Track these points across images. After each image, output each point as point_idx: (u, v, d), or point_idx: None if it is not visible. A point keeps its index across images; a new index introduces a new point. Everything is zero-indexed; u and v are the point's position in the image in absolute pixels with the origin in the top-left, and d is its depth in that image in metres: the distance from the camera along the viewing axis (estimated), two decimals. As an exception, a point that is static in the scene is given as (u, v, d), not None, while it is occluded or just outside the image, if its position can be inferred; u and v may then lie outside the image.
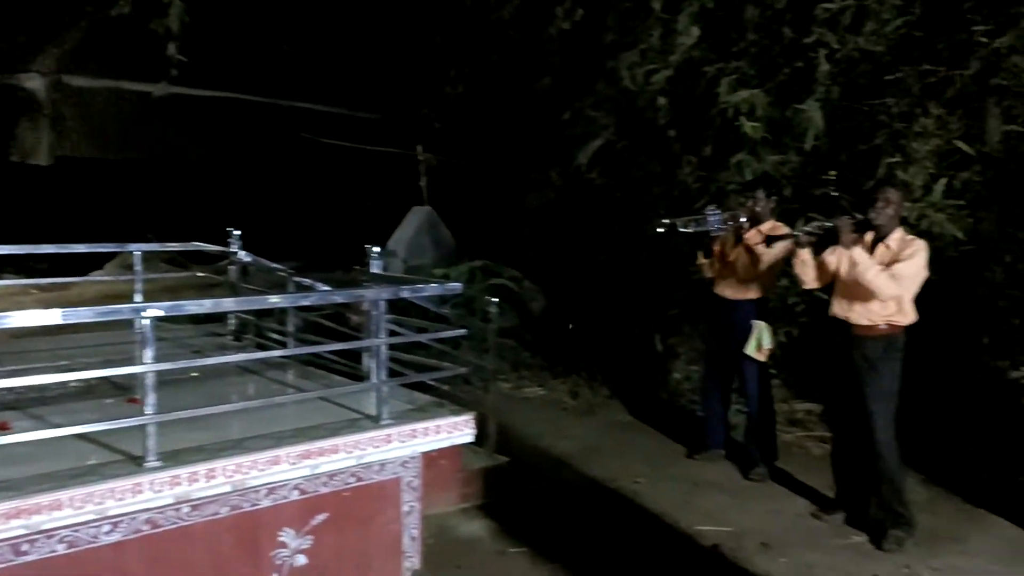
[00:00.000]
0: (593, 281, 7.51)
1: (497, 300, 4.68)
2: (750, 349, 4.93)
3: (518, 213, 8.51)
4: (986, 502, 4.69)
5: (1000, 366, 6.10)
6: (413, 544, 3.29)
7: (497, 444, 4.77)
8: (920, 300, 4.20)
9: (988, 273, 5.86)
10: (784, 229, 4.82)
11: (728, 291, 5.05)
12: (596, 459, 5.31)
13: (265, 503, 2.88)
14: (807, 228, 4.38)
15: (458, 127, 9.52)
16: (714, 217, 4.90)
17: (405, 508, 3.24)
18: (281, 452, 2.83)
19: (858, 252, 4.08)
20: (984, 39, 5.27)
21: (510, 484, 4.62)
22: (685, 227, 4.96)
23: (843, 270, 4.18)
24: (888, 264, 4.05)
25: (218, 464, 2.69)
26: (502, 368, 7.08)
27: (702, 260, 5.16)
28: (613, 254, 7.25)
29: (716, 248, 5.08)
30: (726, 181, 5.96)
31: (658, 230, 5.01)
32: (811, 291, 5.54)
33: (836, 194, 5.87)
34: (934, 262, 5.62)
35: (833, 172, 5.98)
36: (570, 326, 6.78)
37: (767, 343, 4.90)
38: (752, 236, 4.94)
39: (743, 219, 4.93)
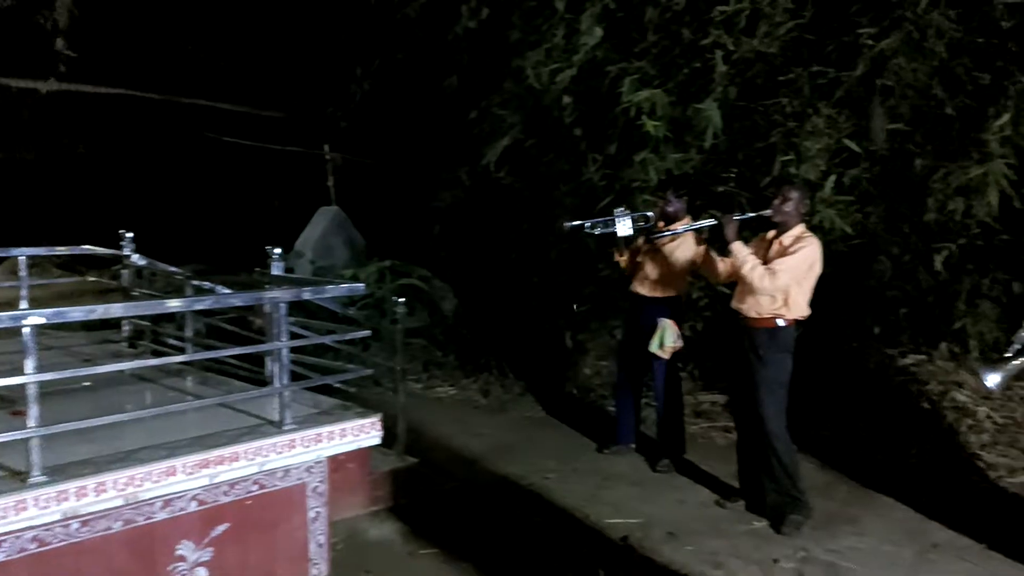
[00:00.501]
0: (504, 279, 7.54)
1: (404, 300, 4.63)
2: (653, 347, 5.03)
3: (428, 212, 8.48)
4: (878, 484, 4.92)
5: (890, 354, 6.43)
6: (320, 551, 3.24)
7: (407, 445, 4.73)
8: (814, 292, 4.37)
9: (877, 265, 6.15)
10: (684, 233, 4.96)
11: (642, 289, 5.14)
12: (507, 456, 5.33)
13: (161, 516, 2.78)
14: (697, 223, 4.50)
15: (365, 126, 9.42)
16: (623, 217, 4.98)
17: (311, 514, 3.19)
18: (177, 462, 2.74)
19: (736, 246, 4.21)
20: (870, 41, 5.52)
21: (421, 485, 4.59)
22: (593, 229, 5.02)
23: (734, 267, 4.32)
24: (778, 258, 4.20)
25: (109, 477, 2.58)
26: (413, 368, 7.04)
27: (618, 257, 5.24)
28: (523, 252, 7.30)
29: (631, 246, 5.16)
30: (631, 179, 6.07)
31: (565, 228, 5.06)
32: (714, 286, 5.74)
33: (736, 192, 6.08)
34: (826, 256, 5.89)
35: (734, 170, 6.19)
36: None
37: (669, 342, 5.00)
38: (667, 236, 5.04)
39: (652, 219, 5.04)
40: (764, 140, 5.84)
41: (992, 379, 2.04)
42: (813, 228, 5.52)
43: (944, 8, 5.45)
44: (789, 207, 4.22)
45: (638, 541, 4.14)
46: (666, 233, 4.73)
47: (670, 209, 5.01)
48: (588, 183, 6.47)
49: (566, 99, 6.54)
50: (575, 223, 5.00)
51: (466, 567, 3.82)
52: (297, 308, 3.84)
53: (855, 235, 5.85)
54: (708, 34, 5.84)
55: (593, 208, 6.24)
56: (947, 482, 4.99)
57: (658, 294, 5.07)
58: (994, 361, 2.15)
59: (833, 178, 5.50)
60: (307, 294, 3.31)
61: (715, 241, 4.42)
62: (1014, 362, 1.99)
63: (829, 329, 6.30)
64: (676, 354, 5.11)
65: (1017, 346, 3.40)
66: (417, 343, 7.25)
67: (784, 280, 4.16)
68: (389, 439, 4.31)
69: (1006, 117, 5.22)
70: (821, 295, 5.20)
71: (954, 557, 4.00)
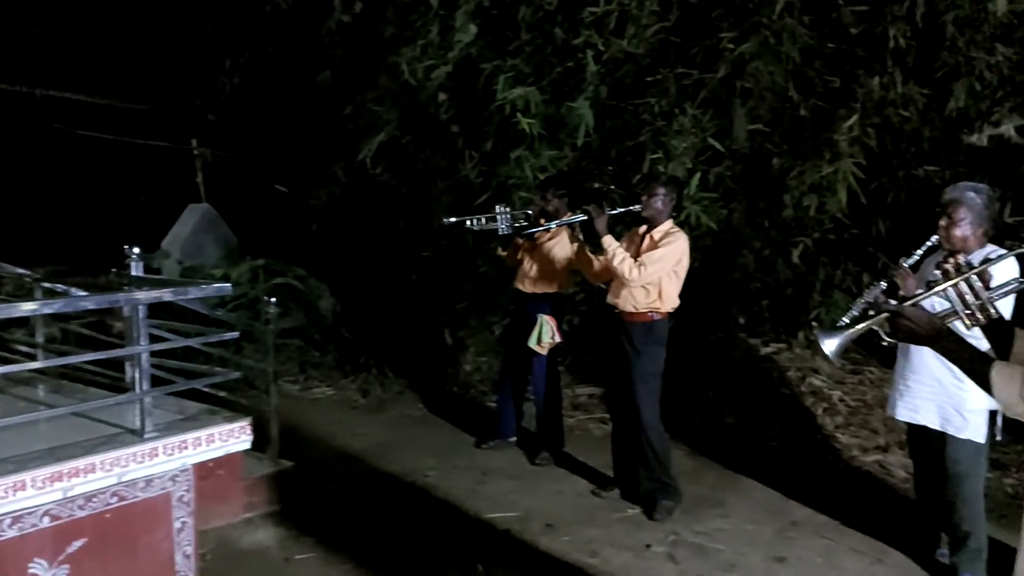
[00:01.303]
0: (382, 277, 7.46)
1: (277, 300, 4.51)
2: (532, 343, 5.11)
3: (304, 210, 8.28)
4: (743, 468, 5.17)
5: (753, 343, 6.76)
6: (187, 562, 3.11)
7: (283, 448, 4.62)
8: (684, 285, 4.54)
9: (740, 259, 6.45)
10: (561, 231, 5.05)
11: (523, 285, 5.21)
12: (388, 455, 5.29)
13: (10, 534, 2.60)
14: (569, 218, 4.59)
15: (236, 120, 9.10)
16: (503, 215, 5.04)
17: (176, 525, 3.05)
18: (26, 476, 2.57)
19: (607, 240, 4.34)
20: (731, 45, 5.77)
21: (298, 489, 4.49)
22: (473, 225, 5.06)
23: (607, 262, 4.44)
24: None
25: (-53, 496, 2.40)
26: (289, 370, 6.88)
27: (502, 253, 5.29)
28: (401, 249, 7.25)
29: (516, 243, 5.22)
30: (507, 176, 6.13)
31: (446, 223, 5.08)
32: (589, 282, 5.86)
33: (609, 188, 6.24)
34: (694, 251, 6.12)
35: (610, 168, 6.35)
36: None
37: (547, 338, 5.08)
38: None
39: (532, 217, 5.11)
40: (634, 138, 6.02)
41: (829, 344, 2.17)
42: (681, 224, 5.76)
43: (798, 15, 5.76)
44: (658, 203, 4.38)
45: (517, 534, 4.20)
46: (539, 228, 4.80)
47: (550, 208, 5.10)
48: (465, 180, 6.50)
49: (442, 96, 6.54)
50: (455, 219, 5.03)
51: (346, 569, 3.77)
52: (164, 310, 3.67)
53: (720, 230, 6.11)
54: (579, 34, 5.96)
55: (470, 205, 6.27)
56: (805, 463, 5.30)
57: (538, 290, 5.15)
58: (831, 328, 2.28)
59: (698, 175, 5.72)
60: (168, 295, 3.15)
61: (589, 237, 4.52)
62: (850, 330, 2.12)
63: (698, 321, 6.57)
64: (555, 349, 5.20)
65: (855, 312, 3.68)
66: (293, 344, 7.08)
67: (652, 272, 4.30)
68: (262, 443, 4.21)
69: (854, 118, 5.58)
70: (690, 288, 5.41)
71: (811, 533, 4.25)
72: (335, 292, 7.57)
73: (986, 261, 2.19)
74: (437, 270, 6.99)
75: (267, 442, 4.35)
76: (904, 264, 3.66)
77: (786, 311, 6.70)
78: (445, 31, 6.43)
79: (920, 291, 2.17)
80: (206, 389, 3.51)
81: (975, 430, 3.59)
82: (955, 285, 2.09)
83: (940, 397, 3.61)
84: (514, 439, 5.47)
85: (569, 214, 5.10)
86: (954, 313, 2.11)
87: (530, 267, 5.15)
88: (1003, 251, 3.50)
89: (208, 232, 8.73)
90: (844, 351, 2.18)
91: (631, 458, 4.57)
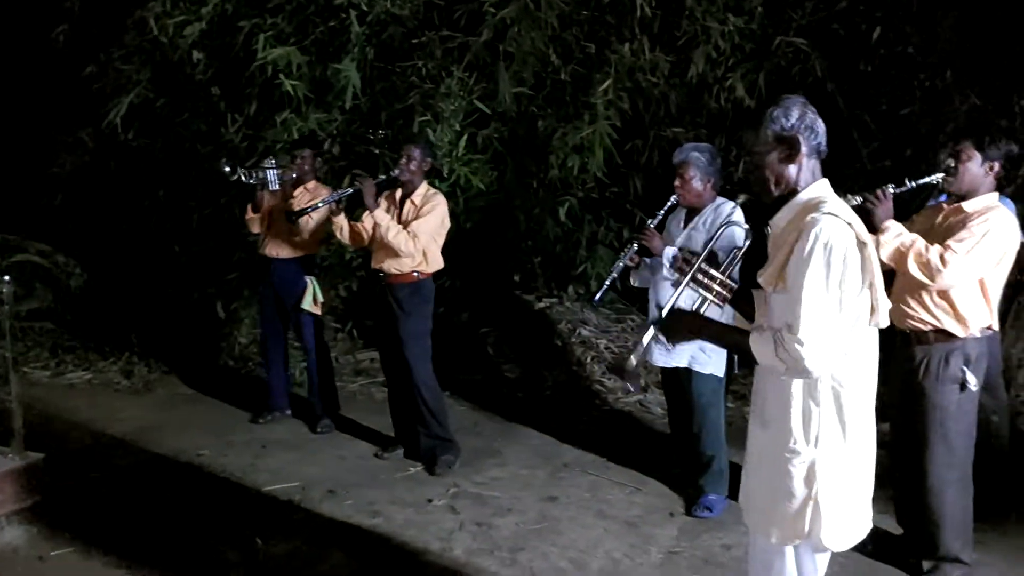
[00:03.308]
0: (141, 250, 6.96)
1: (9, 278, 4.07)
2: (307, 304, 5.02)
3: (46, 179, 7.48)
4: (520, 418, 5.42)
5: (528, 299, 7.06)
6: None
7: (34, 440, 4.21)
8: (459, 245, 4.62)
9: (512, 219, 6.67)
10: (325, 191, 4.99)
11: (274, 250, 5.07)
12: (156, 438, 5.00)
13: None
14: (338, 194, 4.56)
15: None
16: (271, 170, 4.91)
17: (-103, 533, 2.73)
18: None
19: (379, 214, 4.36)
20: (492, 10, 5.86)
21: (52, 482, 4.13)
22: (247, 177, 4.91)
23: (375, 231, 4.44)
24: (415, 219, 4.38)
25: None
26: (37, 355, 6.30)
27: (251, 215, 5.11)
28: (161, 219, 6.78)
29: (265, 205, 5.06)
30: (273, 140, 5.90)
31: (223, 168, 4.86)
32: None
33: (378, 152, 6.19)
34: (468, 211, 6.26)
35: (381, 132, 6.29)
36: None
37: (320, 296, 5.04)
38: (300, 195, 5.02)
39: (294, 175, 5.00)
40: (404, 101, 6.00)
41: (631, 375, 2.33)
42: (451, 185, 5.87)
43: (555, -18, 5.97)
44: (414, 166, 4.41)
45: (297, 503, 4.14)
46: (306, 211, 4.71)
47: (306, 167, 5.03)
48: (229, 144, 6.17)
49: (197, 55, 6.14)
50: (229, 168, 4.87)
51: (107, 561, 3.55)
52: None
53: (491, 191, 6.27)
54: (341, -7, 5.81)
55: (235, 171, 6.00)
56: (575, 408, 5.65)
57: (291, 254, 5.05)
58: (618, 362, 2.47)
59: (466, 138, 5.82)
60: None
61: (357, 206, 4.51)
62: (633, 357, 2.28)
63: (476, 280, 6.75)
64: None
65: (614, 274, 3.98)
66: (42, 326, 6.46)
67: (425, 241, 4.39)
68: (7, 436, 3.86)
69: (608, 83, 5.89)
70: (465, 249, 5.56)
71: (580, 472, 4.56)
72: (89, 268, 6.96)
73: (711, 239, 2.44)
74: (204, 240, 6.62)
75: (9, 434, 3.96)
76: (650, 225, 3.98)
77: (557, 267, 7.05)
78: (196, -16, 6.02)
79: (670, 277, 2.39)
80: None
81: (716, 366, 4.00)
82: (693, 278, 2.29)
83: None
84: (288, 410, 5.37)
85: (315, 180, 5.08)
86: (704, 300, 2.31)
87: (282, 230, 5.02)
88: (730, 203, 3.92)
89: (-71, 207, 7.69)
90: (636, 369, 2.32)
91: (410, 418, 4.64)
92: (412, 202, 4.45)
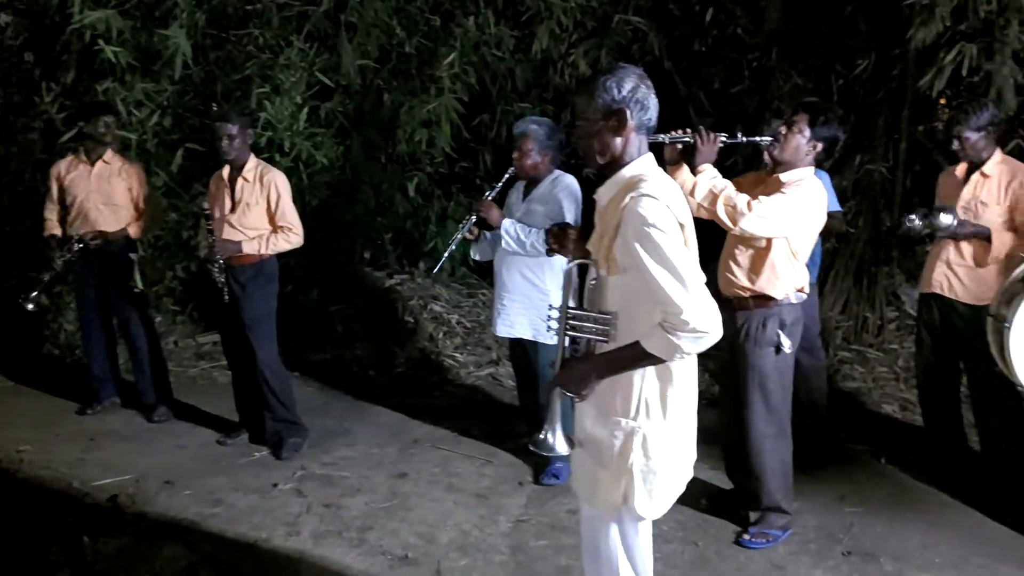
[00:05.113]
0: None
1: None
2: (139, 283, 4.76)
3: None
4: (371, 396, 5.35)
5: (379, 276, 6.97)
6: None
7: None
8: (306, 223, 4.46)
9: (360, 195, 6.55)
10: (119, 162, 4.76)
11: (88, 227, 4.73)
12: (-34, 437, 4.60)
13: None
14: None
15: None
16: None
17: None
18: None
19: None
20: (333, -22, 5.71)
21: None
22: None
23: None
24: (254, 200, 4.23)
25: None
26: None
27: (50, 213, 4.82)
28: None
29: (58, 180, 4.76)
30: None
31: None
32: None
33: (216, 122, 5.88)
34: (313, 187, 6.09)
35: (214, 104, 5.97)
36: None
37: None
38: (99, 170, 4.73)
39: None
40: (240, 72, 5.74)
41: (560, 446, 2.25)
42: (293, 160, 5.68)
43: (397, -47, 5.87)
44: (237, 143, 4.22)
45: (131, 497, 3.92)
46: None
47: (108, 139, 4.75)
48: (45, 115, 5.71)
49: (5, 18, 5.62)
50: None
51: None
52: None
53: (337, 167, 6.13)
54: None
55: (54, 144, 5.57)
56: (427, 384, 5.64)
57: (111, 230, 4.75)
58: (535, 443, 2.30)
59: (306, 111, 5.63)
60: None
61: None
62: (548, 434, 2.21)
63: (324, 258, 6.58)
64: (146, 295, 4.93)
65: (452, 246, 4.01)
66: None
67: (295, 219, 4.30)
68: None
69: (453, 56, 5.86)
70: (312, 226, 5.36)
71: (431, 447, 4.56)
72: None
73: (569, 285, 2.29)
74: (22, 219, 6.10)
75: None
76: (488, 197, 4.00)
77: (407, 243, 6.99)
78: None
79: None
80: None
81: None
82: (566, 328, 2.18)
83: (530, 312, 4.02)
84: (118, 399, 5.07)
85: (112, 151, 4.80)
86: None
87: (92, 207, 4.72)
88: (568, 176, 4.00)
89: None
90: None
91: (254, 401, 4.48)
92: (244, 179, 4.25)
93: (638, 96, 2.10)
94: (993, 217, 3.72)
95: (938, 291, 3.91)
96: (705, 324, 1.97)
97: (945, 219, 3.71)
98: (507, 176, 3.98)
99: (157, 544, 3.48)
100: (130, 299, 4.78)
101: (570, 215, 3.84)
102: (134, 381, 5.00)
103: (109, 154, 4.75)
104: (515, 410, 4.85)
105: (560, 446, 2.23)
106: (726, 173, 3.36)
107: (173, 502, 3.88)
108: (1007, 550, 3.43)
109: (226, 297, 4.24)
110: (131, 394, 5.07)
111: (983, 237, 3.71)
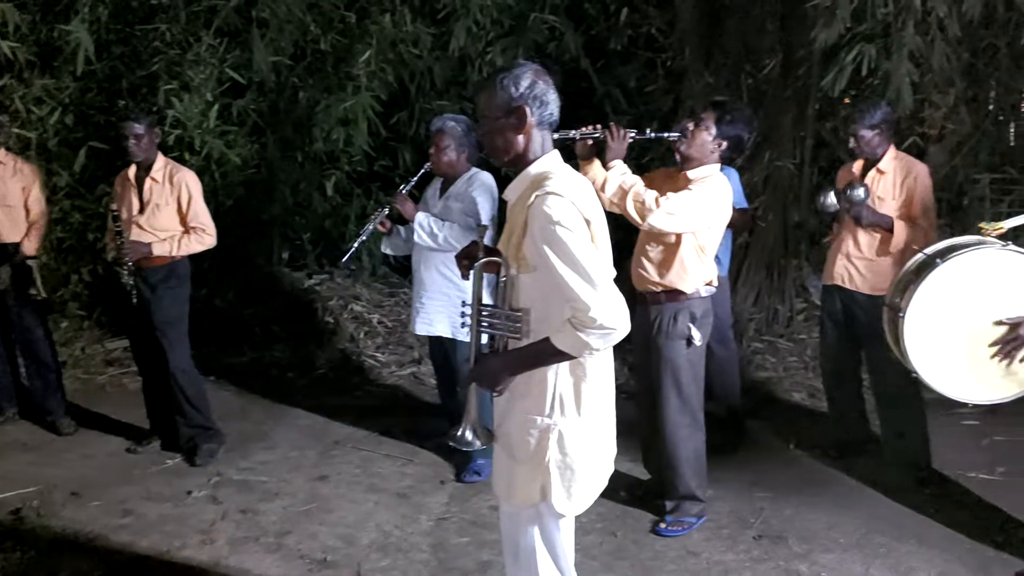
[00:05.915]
0: None
1: None
2: (41, 290, 4.57)
3: None
4: (290, 399, 5.26)
5: (298, 276, 6.86)
6: None
7: None
8: (220, 223, 4.36)
9: (277, 194, 6.42)
10: (12, 161, 4.59)
11: None
12: None
13: None
14: None
15: None
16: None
17: None
18: None
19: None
20: (241, -27, 5.57)
21: None
22: None
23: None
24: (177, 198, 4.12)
25: None
26: None
27: None
28: None
29: None
30: (-9, 109, 5.26)
31: None
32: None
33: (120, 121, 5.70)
34: (227, 187, 5.95)
35: (122, 101, 5.78)
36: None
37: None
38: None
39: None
40: (147, 68, 5.56)
41: (471, 440, 2.25)
42: (204, 159, 5.54)
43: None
44: (145, 142, 4.11)
45: (35, 510, 3.77)
46: None
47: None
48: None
49: None
50: None
51: None
52: None
53: (252, 166, 6.00)
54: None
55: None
56: (348, 385, 5.59)
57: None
58: (453, 439, 2.29)
59: (216, 108, 5.50)
60: None
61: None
62: (466, 430, 2.20)
63: (240, 259, 6.44)
64: (46, 303, 4.76)
65: (363, 237, 4.02)
66: None
67: (207, 221, 4.20)
68: None
69: (369, 53, 5.80)
70: (227, 227, 5.25)
71: (351, 449, 4.51)
72: None
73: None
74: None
75: None
76: (403, 190, 3.99)
77: (327, 243, 6.89)
78: None
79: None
80: None
81: (475, 332, 4.09)
82: (480, 325, 2.20)
83: (448, 309, 4.02)
84: (16, 409, 4.86)
85: (4, 149, 4.63)
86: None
87: None
88: (484, 174, 4.02)
89: None
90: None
91: (166, 407, 4.36)
92: (153, 179, 4.13)
93: (536, 92, 2.10)
94: (889, 212, 3.89)
95: (839, 283, 4.07)
96: (613, 321, 1.99)
97: (859, 193, 3.85)
98: (423, 171, 3.98)
99: (63, 557, 3.36)
100: (31, 307, 4.58)
101: (485, 212, 3.86)
102: (31, 391, 4.80)
103: (3, 153, 4.56)
104: (437, 409, 4.83)
105: (477, 440, 2.24)
106: (642, 170, 3.43)
107: (80, 514, 3.75)
108: (906, 528, 3.59)
109: (134, 300, 4.12)
110: (30, 405, 4.86)
111: (885, 226, 3.87)
